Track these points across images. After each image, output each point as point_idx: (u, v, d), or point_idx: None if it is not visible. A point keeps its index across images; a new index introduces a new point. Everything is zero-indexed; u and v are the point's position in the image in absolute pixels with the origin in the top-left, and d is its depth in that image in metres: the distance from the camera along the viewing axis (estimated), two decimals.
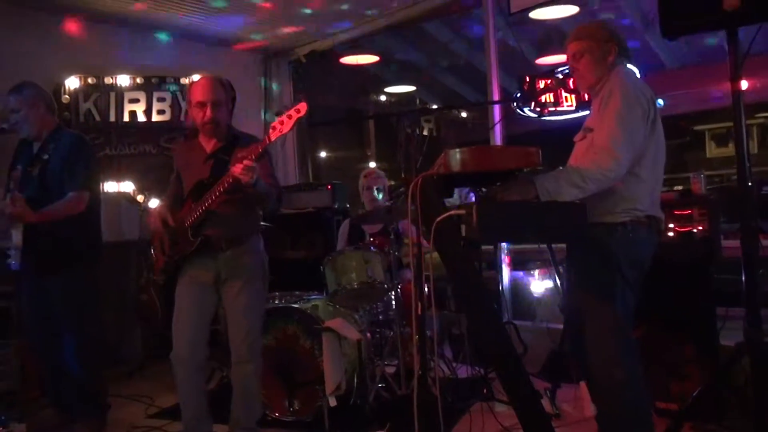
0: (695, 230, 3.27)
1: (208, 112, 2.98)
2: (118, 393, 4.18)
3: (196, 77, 5.56)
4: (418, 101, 9.24)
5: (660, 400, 3.24)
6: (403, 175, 2.40)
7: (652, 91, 2.49)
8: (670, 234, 3.29)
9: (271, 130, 2.73)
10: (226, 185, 2.82)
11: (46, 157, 3.42)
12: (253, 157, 2.73)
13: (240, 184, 2.77)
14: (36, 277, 3.46)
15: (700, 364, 3.21)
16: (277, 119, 2.75)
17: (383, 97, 9.27)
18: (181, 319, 3.06)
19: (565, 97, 5.91)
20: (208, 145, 3.10)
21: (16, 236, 3.31)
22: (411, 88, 8.51)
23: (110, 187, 5.14)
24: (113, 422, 3.71)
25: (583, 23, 2.72)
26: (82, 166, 3.46)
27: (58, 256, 3.40)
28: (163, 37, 5.78)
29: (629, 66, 2.73)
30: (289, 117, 2.69)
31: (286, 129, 2.70)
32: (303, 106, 2.68)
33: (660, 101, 3.10)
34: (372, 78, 8.06)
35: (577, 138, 2.62)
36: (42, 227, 3.32)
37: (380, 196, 4.47)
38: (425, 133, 10.05)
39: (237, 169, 2.73)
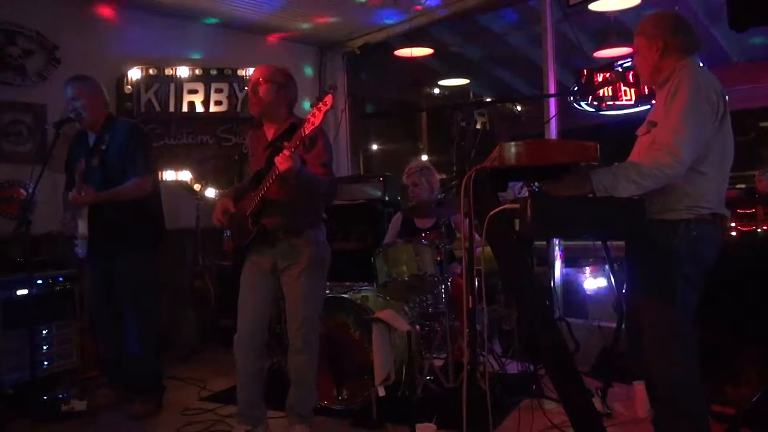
0: (759, 230, 3.17)
1: (251, 92, 3.06)
2: (172, 376, 4.29)
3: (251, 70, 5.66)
4: (471, 95, 9.14)
5: (715, 403, 3.14)
6: (455, 169, 2.37)
7: (721, 86, 2.38)
8: (733, 233, 3.20)
9: (306, 123, 2.70)
10: (275, 175, 2.83)
11: (104, 147, 3.53)
12: (293, 148, 2.72)
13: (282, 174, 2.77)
14: (101, 261, 3.59)
15: (760, 367, 3.10)
16: (311, 112, 2.72)
17: (437, 90, 9.21)
18: (243, 304, 3.15)
19: (624, 90, 5.76)
20: (269, 132, 3.16)
21: (82, 226, 3.45)
22: (465, 82, 8.41)
23: (168, 175, 5.30)
24: (167, 403, 3.83)
25: (648, 14, 2.62)
26: (141, 152, 3.57)
27: (122, 240, 3.52)
28: (221, 29, 5.88)
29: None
30: (319, 110, 2.64)
31: (317, 121, 2.65)
32: (329, 99, 2.61)
33: None
34: (426, 71, 8.00)
35: (640, 131, 2.55)
36: (107, 214, 3.44)
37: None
38: (478, 126, 9.94)
39: (278, 159, 2.74)
